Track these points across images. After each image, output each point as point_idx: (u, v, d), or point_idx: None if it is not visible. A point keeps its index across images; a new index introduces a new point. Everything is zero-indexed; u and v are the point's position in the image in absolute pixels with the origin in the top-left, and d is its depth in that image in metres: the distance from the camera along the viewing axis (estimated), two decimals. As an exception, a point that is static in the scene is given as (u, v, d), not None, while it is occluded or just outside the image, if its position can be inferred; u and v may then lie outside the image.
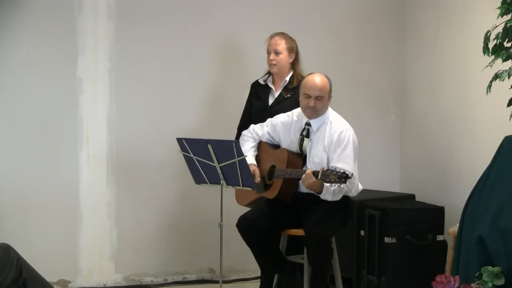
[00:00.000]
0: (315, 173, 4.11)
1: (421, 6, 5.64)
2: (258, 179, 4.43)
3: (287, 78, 4.80)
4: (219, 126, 5.44)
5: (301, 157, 4.43)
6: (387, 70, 5.88)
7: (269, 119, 4.63)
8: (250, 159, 4.49)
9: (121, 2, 5.31)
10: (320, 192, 4.21)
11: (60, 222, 5.25)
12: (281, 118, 4.56)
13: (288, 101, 4.72)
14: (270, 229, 4.38)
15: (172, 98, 5.45)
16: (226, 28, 5.52)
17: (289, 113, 4.56)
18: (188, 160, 4.29)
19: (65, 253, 5.26)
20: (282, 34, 4.80)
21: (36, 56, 5.17)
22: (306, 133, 4.42)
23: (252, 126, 4.68)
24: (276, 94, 4.84)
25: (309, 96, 4.34)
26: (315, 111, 4.36)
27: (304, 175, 4.15)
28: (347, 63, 5.78)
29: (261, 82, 4.92)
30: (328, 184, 4.11)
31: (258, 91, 4.92)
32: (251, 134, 4.64)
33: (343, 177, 4.02)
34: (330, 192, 4.19)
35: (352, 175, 4.08)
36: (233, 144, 4.08)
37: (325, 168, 4.12)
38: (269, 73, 4.91)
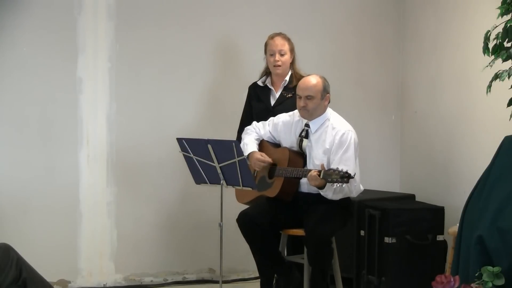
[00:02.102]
0: (318, 173, 4.12)
1: (421, 6, 5.64)
2: (269, 159, 4.43)
3: (287, 78, 4.80)
4: (219, 126, 5.44)
5: (302, 156, 4.43)
6: (387, 70, 5.88)
7: (271, 118, 4.63)
8: (253, 148, 4.50)
9: (121, 2, 5.31)
10: (322, 188, 4.21)
11: (60, 222, 5.25)
12: (282, 118, 4.57)
13: (289, 101, 4.71)
14: (270, 226, 4.38)
15: (172, 98, 5.45)
16: (226, 28, 5.52)
17: (291, 113, 4.56)
18: (188, 160, 4.29)
19: (65, 253, 5.26)
20: (283, 35, 4.79)
21: (36, 56, 5.17)
22: (305, 134, 4.43)
23: (254, 123, 4.68)
24: (277, 95, 4.83)
25: (300, 97, 4.35)
26: (306, 111, 4.37)
27: (309, 176, 4.16)
28: (347, 63, 5.78)
29: (260, 84, 4.91)
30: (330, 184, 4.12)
31: (258, 93, 4.91)
32: (254, 129, 4.64)
33: (345, 176, 4.02)
34: (332, 189, 4.19)
35: (354, 175, 4.08)
36: (233, 144, 4.08)
37: (326, 167, 4.14)
38: (266, 74, 4.90)
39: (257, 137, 4.62)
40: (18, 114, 5.17)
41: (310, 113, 4.38)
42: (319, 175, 4.11)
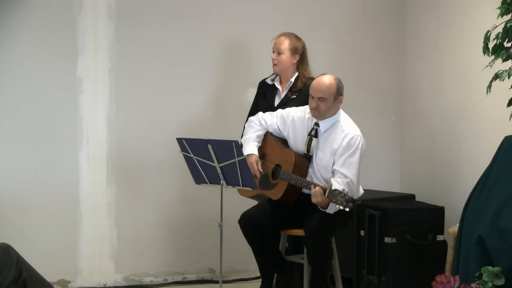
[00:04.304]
0: (323, 190, 4.08)
1: (421, 6, 5.63)
2: (258, 172, 4.40)
3: (292, 80, 4.76)
4: (219, 126, 5.44)
5: (307, 161, 4.40)
6: (387, 70, 5.88)
7: (279, 110, 4.57)
8: (253, 149, 4.46)
9: (121, 2, 5.31)
10: (325, 208, 4.16)
11: (60, 222, 5.25)
12: (293, 113, 4.50)
13: (293, 102, 4.68)
14: (272, 228, 4.38)
15: (172, 97, 5.45)
16: (227, 27, 5.52)
17: (302, 108, 4.50)
18: (188, 160, 4.29)
19: (65, 253, 5.26)
20: (288, 34, 4.74)
21: (36, 56, 5.17)
22: (314, 133, 4.40)
23: (260, 113, 4.62)
24: (282, 95, 4.80)
25: (312, 97, 4.33)
26: (318, 112, 4.33)
27: (313, 191, 4.11)
28: (347, 63, 5.77)
29: (269, 82, 4.88)
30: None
31: (265, 91, 4.88)
32: (259, 121, 4.59)
33: (350, 201, 3.98)
34: (334, 208, 4.12)
35: (360, 202, 4.05)
36: (233, 144, 4.07)
37: (333, 187, 4.07)
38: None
39: (260, 132, 4.55)
40: (18, 114, 5.17)
41: (321, 114, 4.35)
42: (324, 193, 4.08)
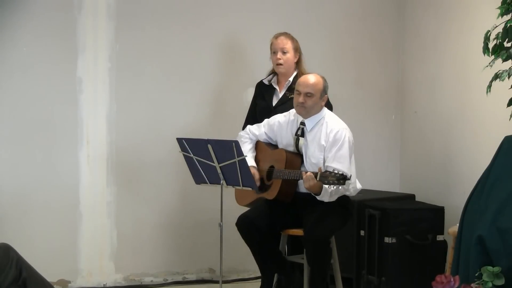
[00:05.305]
0: (314, 175, 4.11)
1: (421, 6, 5.64)
2: (257, 183, 4.43)
3: (291, 79, 4.78)
4: (219, 126, 5.44)
5: (299, 156, 4.43)
6: (387, 70, 5.88)
7: (265, 120, 4.63)
8: (250, 161, 4.48)
9: (121, 2, 5.31)
10: (318, 194, 4.20)
11: (60, 222, 5.25)
12: (278, 118, 4.56)
13: (292, 101, 4.69)
14: (269, 228, 4.38)
15: (172, 98, 5.45)
16: (227, 28, 5.52)
17: (286, 113, 4.56)
18: (188, 160, 4.30)
19: (65, 253, 5.26)
20: (287, 34, 4.78)
21: (36, 56, 5.17)
22: (300, 133, 4.43)
23: (248, 126, 4.67)
24: (280, 95, 4.82)
25: (299, 93, 4.35)
26: (304, 108, 4.36)
27: (304, 176, 4.15)
28: (347, 63, 5.78)
29: (266, 82, 4.90)
30: (326, 186, 4.11)
31: (263, 91, 4.90)
32: (248, 135, 4.63)
33: (342, 178, 4.01)
34: (328, 193, 4.18)
35: (350, 176, 4.08)
36: (233, 144, 4.08)
37: (323, 169, 4.13)
38: (273, 73, 4.89)
39: (251, 146, 4.60)
40: (18, 114, 5.17)
41: (307, 111, 4.37)
42: (315, 177, 4.10)
